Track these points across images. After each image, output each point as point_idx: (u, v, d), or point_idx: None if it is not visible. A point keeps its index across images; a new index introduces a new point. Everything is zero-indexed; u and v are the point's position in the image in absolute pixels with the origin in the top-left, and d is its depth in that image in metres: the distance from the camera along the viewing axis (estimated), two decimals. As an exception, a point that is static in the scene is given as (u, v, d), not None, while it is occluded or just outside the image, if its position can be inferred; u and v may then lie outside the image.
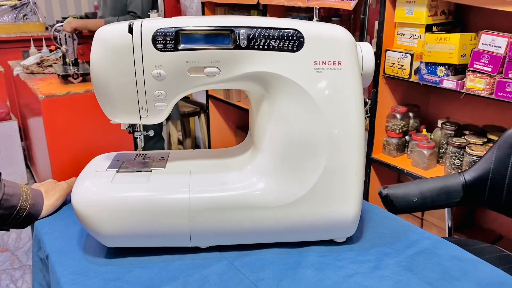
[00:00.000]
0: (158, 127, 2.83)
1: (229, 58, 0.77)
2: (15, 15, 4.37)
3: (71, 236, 0.88)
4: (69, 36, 2.58)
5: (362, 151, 0.81)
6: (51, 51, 3.16)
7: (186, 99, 3.58)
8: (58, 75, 2.54)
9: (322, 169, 0.79)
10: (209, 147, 3.21)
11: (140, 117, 0.81)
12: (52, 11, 4.61)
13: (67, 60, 2.64)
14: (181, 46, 0.75)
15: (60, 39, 2.60)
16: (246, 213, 0.80)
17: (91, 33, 0.81)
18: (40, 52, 3.14)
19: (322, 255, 0.82)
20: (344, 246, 0.85)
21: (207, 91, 3.09)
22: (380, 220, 0.95)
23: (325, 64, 0.78)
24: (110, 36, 0.76)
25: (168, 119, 3.38)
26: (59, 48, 2.68)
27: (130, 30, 0.75)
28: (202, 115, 3.39)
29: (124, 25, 0.75)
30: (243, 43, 0.76)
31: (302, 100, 0.78)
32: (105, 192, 0.78)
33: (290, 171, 0.80)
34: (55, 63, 2.87)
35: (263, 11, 2.55)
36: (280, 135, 0.80)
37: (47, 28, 4.23)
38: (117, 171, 0.84)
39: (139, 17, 2.67)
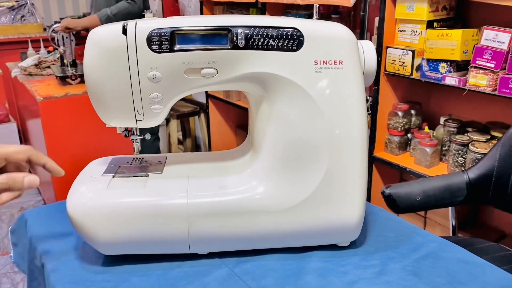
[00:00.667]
0: (155, 127, 2.81)
1: (226, 58, 0.74)
2: (12, 16, 4.35)
3: (67, 243, 0.86)
4: (66, 37, 2.55)
5: (365, 153, 0.79)
6: (49, 52, 3.14)
7: (185, 99, 3.56)
8: (56, 76, 2.52)
9: (324, 171, 0.77)
10: (210, 146, 3.19)
11: (136, 120, 0.79)
12: (50, 12, 4.58)
13: (65, 61, 2.61)
14: (177, 47, 0.73)
15: (57, 40, 2.57)
16: (246, 218, 0.77)
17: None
18: (38, 54, 3.12)
19: (325, 261, 0.80)
20: (347, 250, 0.83)
21: (206, 91, 3.07)
22: (384, 223, 0.92)
23: (326, 63, 0.75)
24: (103, 37, 0.74)
25: (167, 122, 3.36)
26: (57, 49, 2.66)
27: (124, 31, 0.73)
28: (202, 115, 3.37)
29: (118, 26, 0.73)
30: (241, 43, 0.74)
31: (303, 101, 0.76)
32: (101, 199, 0.76)
33: (291, 174, 0.78)
34: (53, 64, 2.84)
35: (262, 9, 2.52)
36: (280, 137, 0.78)
37: (45, 29, 4.21)
38: (113, 176, 0.82)
39: (133, 1, 2.60)
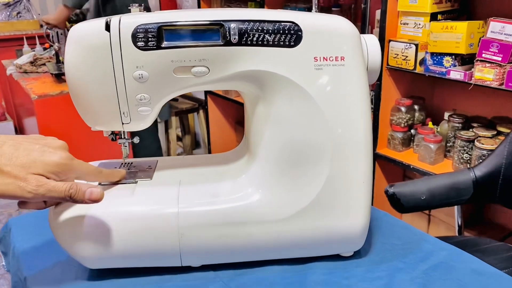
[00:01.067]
0: (153, 126, 2.74)
1: (218, 55, 0.68)
2: (8, 13, 4.30)
3: (51, 255, 0.80)
4: (61, 34, 2.50)
5: (369, 156, 0.73)
6: (45, 49, 3.09)
7: (183, 95, 3.52)
8: (51, 74, 2.47)
9: (325, 177, 0.71)
10: (209, 143, 3.15)
11: (122, 123, 0.73)
12: (46, 8, 4.52)
13: (61, 58, 2.56)
14: (165, 43, 0.67)
15: (52, 36, 2.52)
16: (241, 228, 0.72)
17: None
18: (34, 51, 3.07)
19: (328, 273, 0.74)
20: (351, 261, 0.77)
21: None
22: (390, 229, 0.87)
23: (326, 60, 0.69)
24: (85, 34, 0.68)
25: (166, 123, 3.32)
26: (52, 46, 2.61)
27: (108, 27, 0.67)
28: (201, 111, 3.32)
29: (100, 22, 0.67)
30: (234, 38, 0.68)
31: (302, 100, 0.70)
32: (85, 208, 0.70)
33: (290, 180, 0.72)
34: (49, 61, 2.79)
35: (260, 3, 2.46)
36: (277, 140, 0.72)
37: (41, 26, 4.15)
38: (99, 183, 0.76)
39: None
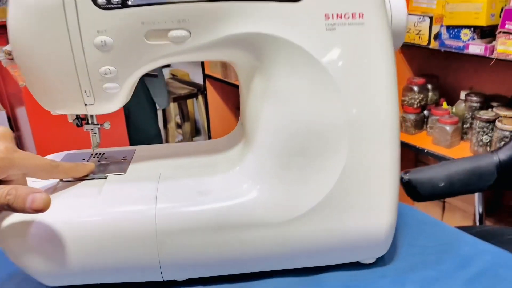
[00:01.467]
0: (152, 112, 2.61)
1: (202, 15, 0.54)
2: (-1, -1, 4.17)
3: (5, 268, 0.66)
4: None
5: (396, 140, 0.58)
6: (35, 34, 2.95)
7: (181, 80, 3.40)
8: (40, 59, 2.34)
9: (341, 168, 0.57)
10: (209, 130, 3.04)
11: (86, 104, 0.59)
12: (39, -7, 4.38)
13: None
14: (132, 0, 0.53)
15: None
16: (236, 233, 0.57)
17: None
18: (23, 36, 2.94)
19: (346, 285, 0.59)
20: (374, 269, 0.63)
21: (203, 70, 2.90)
22: (418, 227, 0.72)
23: (341, 17, 0.55)
24: (31, -9, 0.53)
25: (164, 112, 3.20)
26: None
27: (59, -18, 0.52)
28: (200, 97, 3.20)
29: (50, -26, 0.53)
30: (222, -8, 0.53)
31: (309, 70, 0.55)
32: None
33: (296, 172, 0.58)
34: (38, 47, 2.66)
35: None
36: (279, 122, 0.57)
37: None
38: (61, 180, 0.62)
39: None
